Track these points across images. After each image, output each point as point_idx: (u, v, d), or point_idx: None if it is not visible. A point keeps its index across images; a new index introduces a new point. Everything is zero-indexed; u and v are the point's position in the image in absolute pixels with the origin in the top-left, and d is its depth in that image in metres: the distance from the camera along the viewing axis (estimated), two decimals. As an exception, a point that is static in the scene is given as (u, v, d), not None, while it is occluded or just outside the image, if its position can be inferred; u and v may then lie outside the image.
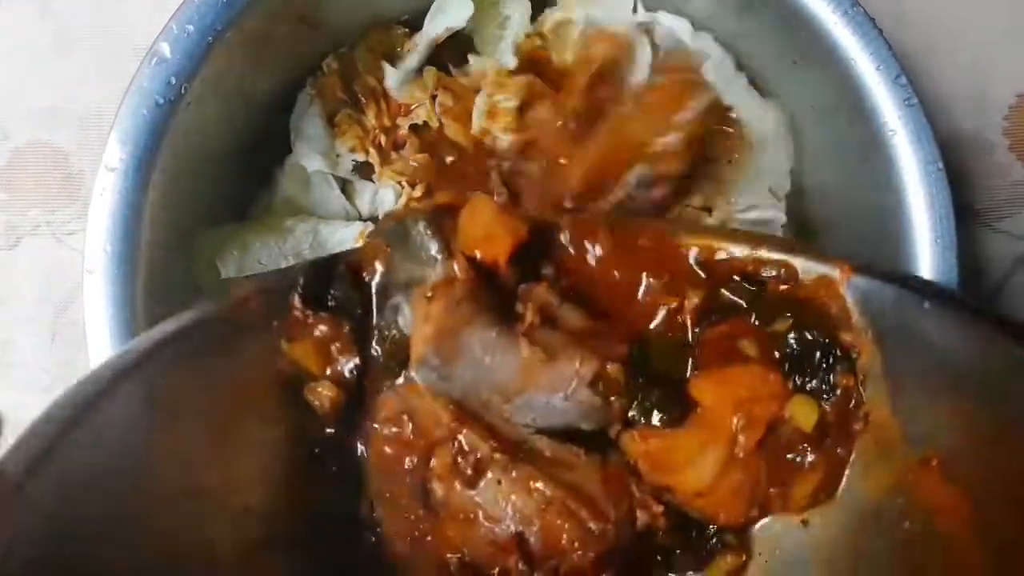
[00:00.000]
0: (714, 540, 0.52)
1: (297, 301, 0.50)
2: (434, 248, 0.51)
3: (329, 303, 0.51)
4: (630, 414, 0.51)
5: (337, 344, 0.51)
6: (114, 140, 0.52)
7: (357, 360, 0.51)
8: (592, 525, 0.48)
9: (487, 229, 0.52)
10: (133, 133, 0.52)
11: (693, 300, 0.53)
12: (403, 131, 0.65)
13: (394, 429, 0.51)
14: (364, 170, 0.65)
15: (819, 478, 0.50)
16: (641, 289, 0.54)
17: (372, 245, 0.53)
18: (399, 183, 0.63)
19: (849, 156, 0.60)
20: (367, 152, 0.64)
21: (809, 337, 0.51)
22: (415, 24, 0.65)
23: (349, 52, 0.65)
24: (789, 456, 0.50)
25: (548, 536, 0.48)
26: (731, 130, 0.65)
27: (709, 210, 0.66)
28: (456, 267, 0.50)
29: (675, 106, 0.62)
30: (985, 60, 0.75)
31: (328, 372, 0.50)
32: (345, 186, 0.65)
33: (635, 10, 0.64)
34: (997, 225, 0.74)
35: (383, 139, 0.65)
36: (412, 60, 0.64)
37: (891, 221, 0.56)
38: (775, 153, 0.64)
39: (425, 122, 0.65)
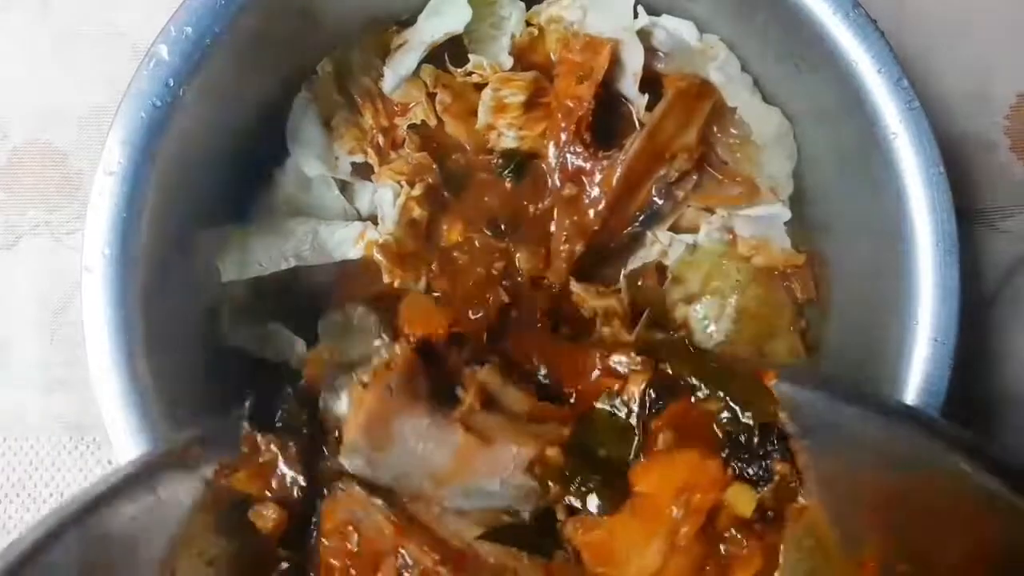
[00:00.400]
0: None
1: (246, 424, 0.51)
2: (375, 327, 0.53)
3: (277, 423, 0.53)
4: (570, 500, 0.52)
5: (284, 462, 0.51)
6: (112, 143, 0.52)
7: (303, 479, 0.51)
8: None
9: (426, 313, 0.55)
10: (131, 136, 0.52)
11: (639, 382, 0.54)
12: (401, 130, 0.65)
13: (339, 541, 0.51)
14: (363, 170, 0.65)
15: (759, 564, 0.50)
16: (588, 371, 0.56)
17: (314, 358, 0.55)
18: (398, 182, 0.63)
19: (850, 158, 0.60)
20: (365, 153, 0.64)
21: (748, 421, 0.51)
22: (414, 23, 0.65)
23: (344, 54, 0.65)
24: (729, 541, 0.50)
25: None
26: (735, 131, 0.65)
27: (711, 211, 0.66)
28: (398, 348, 0.52)
29: (692, 110, 0.63)
30: (986, 59, 0.75)
31: (271, 493, 0.51)
32: (344, 186, 0.65)
33: (635, 15, 0.64)
34: (999, 225, 0.74)
35: (381, 139, 0.65)
36: (409, 62, 0.64)
37: (892, 224, 0.56)
38: (777, 155, 0.64)
39: (423, 121, 0.64)
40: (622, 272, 0.66)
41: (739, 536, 0.50)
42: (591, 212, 0.63)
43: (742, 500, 0.50)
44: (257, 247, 0.60)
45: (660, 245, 0.65)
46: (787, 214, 0.65)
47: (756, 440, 0.51)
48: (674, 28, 0.64)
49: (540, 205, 0.65)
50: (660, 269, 0.66)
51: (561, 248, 0.63)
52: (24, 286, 0.70)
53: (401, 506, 0.52)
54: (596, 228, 0.63)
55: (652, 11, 0.64)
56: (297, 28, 0.60)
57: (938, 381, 0.54)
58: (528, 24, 0.66)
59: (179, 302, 0.57)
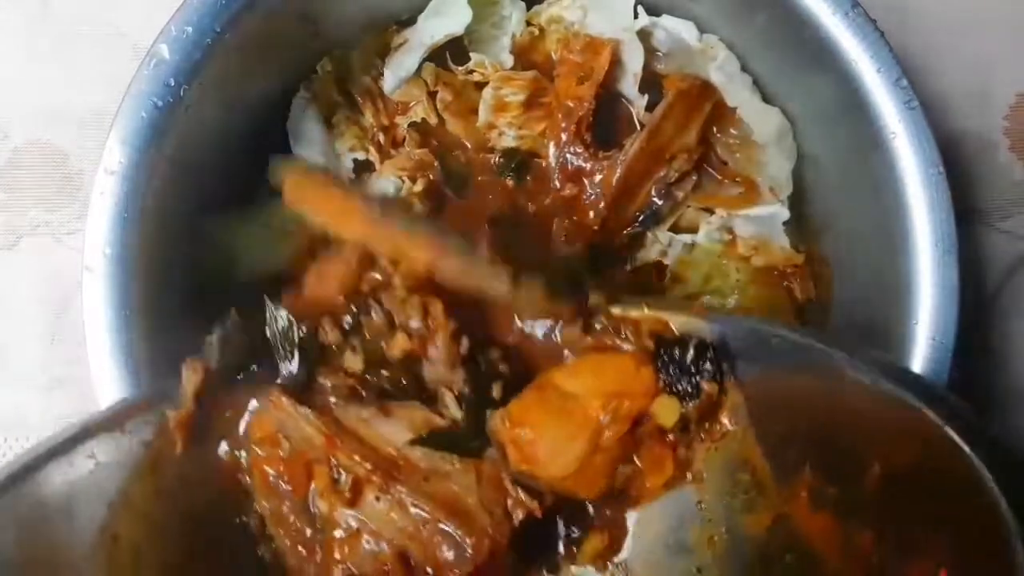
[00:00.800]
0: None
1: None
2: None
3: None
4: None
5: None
6: (113, 143, 0.52)
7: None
8: (468, 541, 0.49)
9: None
10: (132, 136, 0.52)
11: None
12: (401, 129, 0.65)
13: (270, 449, 0.51)
14: (365, 168, 0.65)
15: (670, 471, 0.53)
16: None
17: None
18: (400, 178, 0.63)
19: (849, 158, 0.60)
20: (367, 151, 0.64)
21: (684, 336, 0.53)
22: (414, 23, 0.65)
23: (343, 53, 0.65)
24: (647, 446, 0.53)
25: (428, 553, 0.50)
26: (735, 131, 0.65)
27: (710, 211, 0.66)
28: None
29: (692, 112, 0.63)
30: (986, 59, 0.75)
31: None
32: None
33: (636, 15, 0.64)
34: (999, 225, 0.74)
35: (382, 138, 0.65)
36: (409, 63, 0.64)
37: (891, 223, 0.56)
38: (777, 154, 0.64)
39: (423, 119, 0.64)
40: (623, 272, 0.66)
41: (658, 442, 0.53)
42: (591, 212, 0.63)
43: (667, 412, 0.52)
44: (261, 241, 0.60)
45: (660, 245, 0.65)
46: (786, 214, 0.65)
47: (690, 357, 0.52)
48: (674, 28, 0.64)
49: (540, 204, 0.65)
50: (660, 269, 0.66)
51: (561, 248, 0.63)
52: (25, 286, 0.70)
53: (329, 413, 0.52)
54: (595, 228, 0.63)
55: (652, 11, 0.64)
56: (298, 28, 0.60)
57: (938, 380, 0.54)
58: (528, 24, 0.66)
59: (180, 300, 0.57)
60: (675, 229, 0.65)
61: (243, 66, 0.57)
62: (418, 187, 0.63)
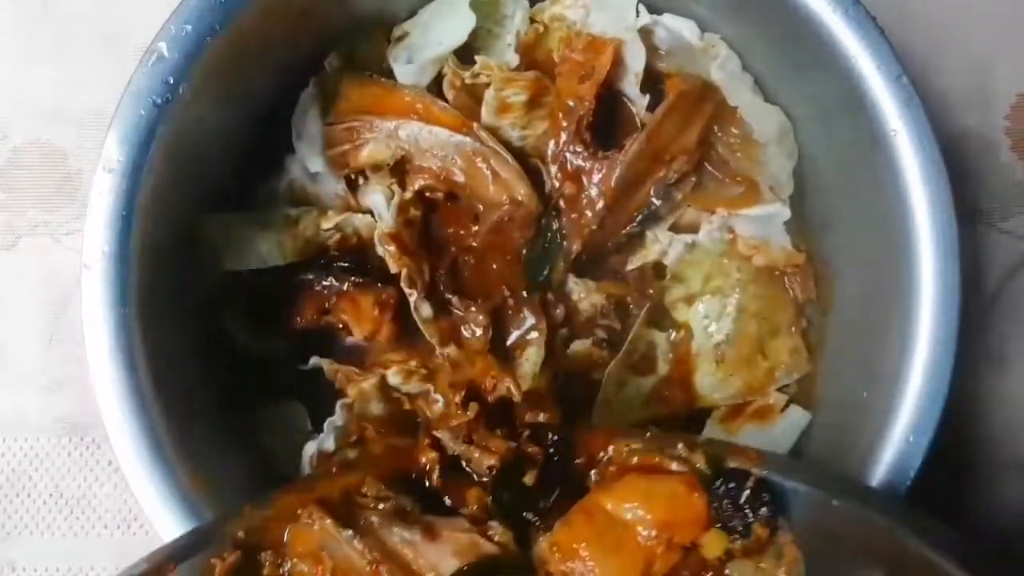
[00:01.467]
0: None
1: None
2: None
3: None
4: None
5: None
6: (112, 141, 0.52)
7: None
8: None
9: None
10: (131, 134, 0.52)
11: None
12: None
13: (314, 566, 0.48)
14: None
15: None
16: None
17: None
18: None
19: (850, 156, 0.59)
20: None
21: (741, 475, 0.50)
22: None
23: (351, 50, 0.65)
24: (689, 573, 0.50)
25: None
26: (736, 130, 0.65)
27: (711, 210, 0.66)
28: None
29: (693, 113, 0.63)
30: (987, 58, 0.74)
31: None
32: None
33: (637, 14, 0.63)
34: (1000, 225, 0.73)
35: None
36: (420, 77, 0.64)
37: (892, 222, 0.56)
38: (777, 153, 0.64)
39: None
40: (623, 271, 0.66)
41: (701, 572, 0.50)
42: (589, 212, 0.63)
43: (714, 545, 0.50)
44: (262, 235, 0.60)
45: (660, 245, 0.65)
46: (787, 213, 0.64)
47: (746, 496, 0.49)
48: (675, 27, 0.64)
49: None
50: (659, 268, 0.66)
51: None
52: (24, 286, 0.70)
53: (372, 533, 0.49)
54: (594, 228, 0.63)
55: (653, 10, 0.64)
56: (300, 25, 0.60)
57: (939, 380, 0.54)
58: (533, 21, 0.66)
59: (180, 299, 0.57)
60: (675, 229, 0.65)
61: (244, 63, 0.57)
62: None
